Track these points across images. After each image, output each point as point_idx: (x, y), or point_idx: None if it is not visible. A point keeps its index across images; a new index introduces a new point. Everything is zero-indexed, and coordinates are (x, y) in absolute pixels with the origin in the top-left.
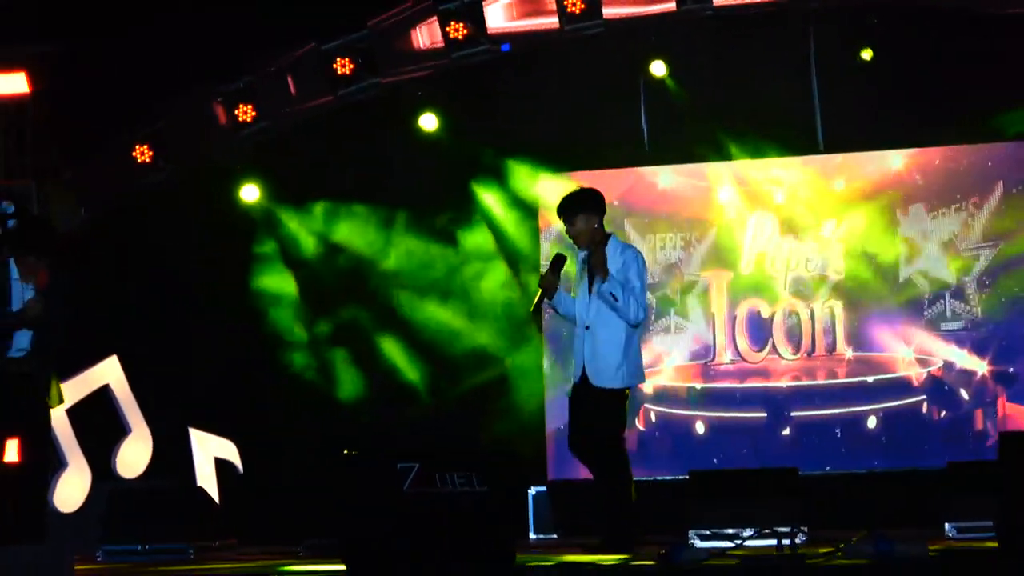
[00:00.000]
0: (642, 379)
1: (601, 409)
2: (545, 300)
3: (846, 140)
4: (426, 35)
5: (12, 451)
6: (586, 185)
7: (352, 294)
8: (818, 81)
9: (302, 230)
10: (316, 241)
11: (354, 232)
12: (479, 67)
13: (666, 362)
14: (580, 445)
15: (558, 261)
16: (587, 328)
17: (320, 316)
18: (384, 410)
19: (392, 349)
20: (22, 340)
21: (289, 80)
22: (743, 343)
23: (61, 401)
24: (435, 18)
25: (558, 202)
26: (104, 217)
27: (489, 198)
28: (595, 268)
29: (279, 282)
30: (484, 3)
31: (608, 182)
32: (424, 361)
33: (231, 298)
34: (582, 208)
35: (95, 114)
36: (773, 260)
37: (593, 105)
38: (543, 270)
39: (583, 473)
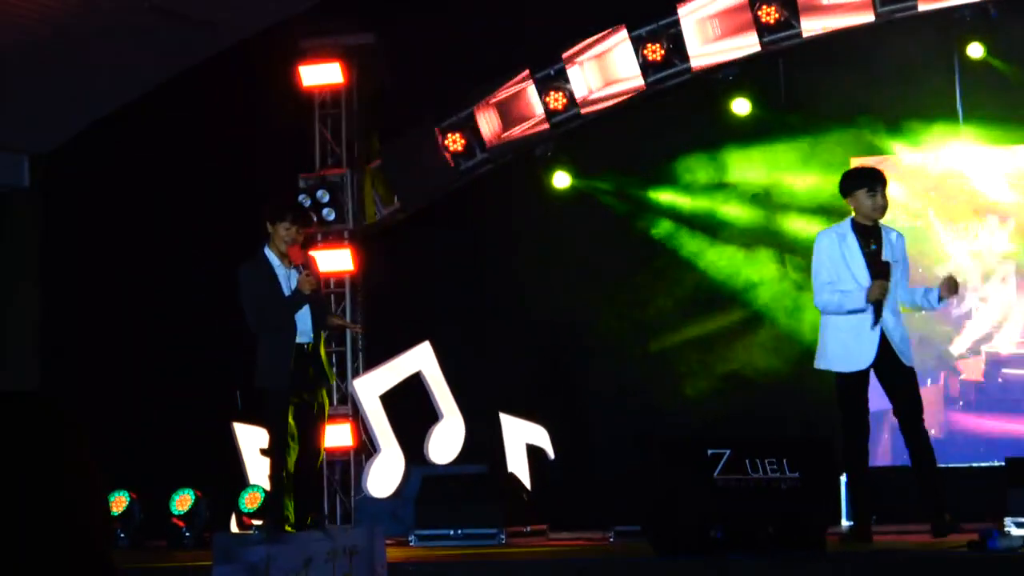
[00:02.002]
0: None
1: (916, 389)
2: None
3: None
4: (735, 20)
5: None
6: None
7: (673, 276)
8: None
9: (621, 215)
10: (635, 228)
11: (672, 222)
12: (786, 52)
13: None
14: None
15: (887, 268)
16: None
17: (636, 297)
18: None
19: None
20: (303, 324)
21: (599, 66)
22: None
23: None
24: (745, 2)
25: (868, 172)
26: (417, 204)
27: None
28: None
29: (588, 267)
30: None
31: None
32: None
33: (540, 283)
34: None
35: (409, 103)
36: None
37: (905, 85)
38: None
39: (892, 459)
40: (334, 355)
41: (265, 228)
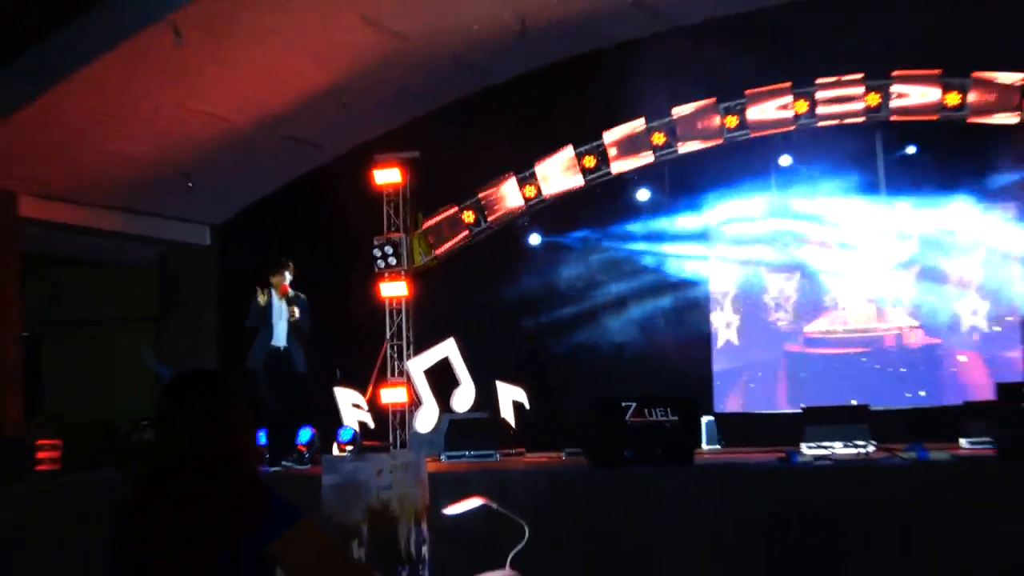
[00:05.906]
0: None
1: None
2: None
3: None
4: (635, 141)
5: None
6: None
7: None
8: None
9: (576, 258)
10: (587, 267)
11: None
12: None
13: None
14: None
15: None
16: None
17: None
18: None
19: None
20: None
21: (556, 169)
22: None
23: None
24: (643, 130)
25: None
26: (446, 255)
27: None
28: None
29: (553, 293)
30: None
31: None
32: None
33: (521, 302)
34: None
35: (441, 192)
36: None
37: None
38: None
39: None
40: (398, 346)
41: (268, 279)
